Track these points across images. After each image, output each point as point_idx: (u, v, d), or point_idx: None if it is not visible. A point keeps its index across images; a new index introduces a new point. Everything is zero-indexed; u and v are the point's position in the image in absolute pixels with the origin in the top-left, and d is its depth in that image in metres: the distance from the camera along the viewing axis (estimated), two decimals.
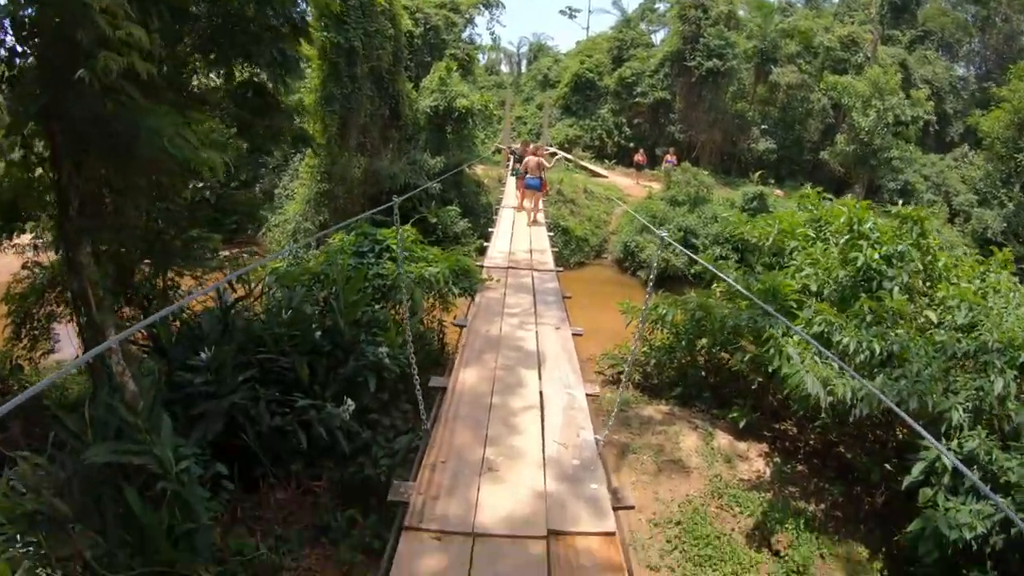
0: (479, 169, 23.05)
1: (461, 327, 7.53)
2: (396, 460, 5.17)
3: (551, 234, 14.14)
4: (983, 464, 4.89)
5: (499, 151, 30.56)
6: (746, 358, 6.86)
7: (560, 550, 3.70)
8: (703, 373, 8.38)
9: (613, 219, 23.14)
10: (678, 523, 6.01)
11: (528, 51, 51.99)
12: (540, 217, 15.69)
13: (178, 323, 6.06)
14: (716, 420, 7.93)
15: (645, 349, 9.05)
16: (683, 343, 8.44)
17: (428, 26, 27.81)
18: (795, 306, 7.15)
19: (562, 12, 52.63)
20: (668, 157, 26.45)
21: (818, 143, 31.80)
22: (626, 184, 26.85)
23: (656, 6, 41.95)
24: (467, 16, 31.12)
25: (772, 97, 31.86)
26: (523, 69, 50.80)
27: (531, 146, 16.34)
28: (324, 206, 18.25)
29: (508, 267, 10.01)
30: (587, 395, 5.90)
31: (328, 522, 4.92)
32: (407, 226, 8.95)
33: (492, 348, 6.75)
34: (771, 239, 8.58)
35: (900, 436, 6.51)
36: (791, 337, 6.29)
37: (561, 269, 10.66)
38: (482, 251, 12.47)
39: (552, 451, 4.73)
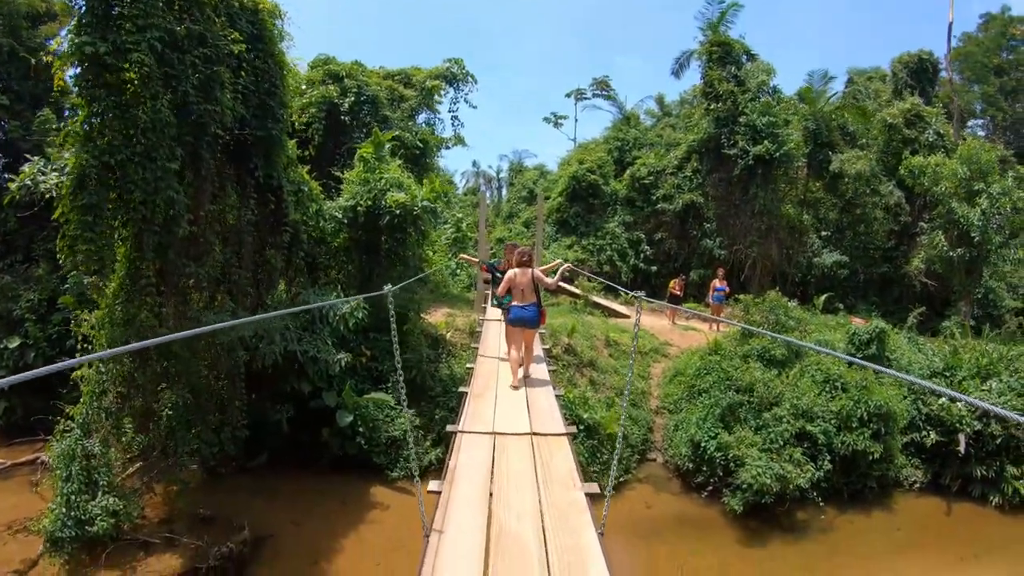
0: (439, 315, 13.98)
1: None
2: None
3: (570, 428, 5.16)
4: None
5: (460, 266, 21.52)
6: None
7: None
8: None
9: (653, 385, 14.12)
10: None
11: (508, 172, 45.57)
12: (537, 371, 8.06)
13: None
14: None
15: None
16: None
17: (362, 97, 19.10)
18: None
19: (546, 119, 45.33)
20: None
21: (891, 250, 23.79)
22: (659, 326, 17.74)
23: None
24: (423, 88, 22.02)
25: (830, 195, 24.02)
26: (504, 194, 43.73)
27: (517, 251, 7.86)
28: (123, 422, 9.05)
29: None
30: None
31: None
32: None
33: None
34: None
35: None
36: None
37: None
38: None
39: None
